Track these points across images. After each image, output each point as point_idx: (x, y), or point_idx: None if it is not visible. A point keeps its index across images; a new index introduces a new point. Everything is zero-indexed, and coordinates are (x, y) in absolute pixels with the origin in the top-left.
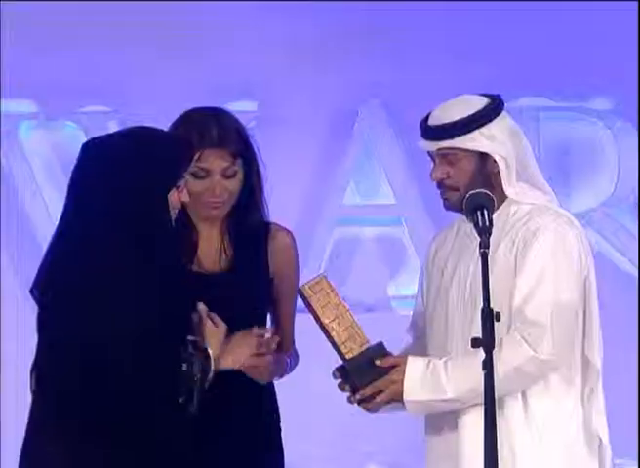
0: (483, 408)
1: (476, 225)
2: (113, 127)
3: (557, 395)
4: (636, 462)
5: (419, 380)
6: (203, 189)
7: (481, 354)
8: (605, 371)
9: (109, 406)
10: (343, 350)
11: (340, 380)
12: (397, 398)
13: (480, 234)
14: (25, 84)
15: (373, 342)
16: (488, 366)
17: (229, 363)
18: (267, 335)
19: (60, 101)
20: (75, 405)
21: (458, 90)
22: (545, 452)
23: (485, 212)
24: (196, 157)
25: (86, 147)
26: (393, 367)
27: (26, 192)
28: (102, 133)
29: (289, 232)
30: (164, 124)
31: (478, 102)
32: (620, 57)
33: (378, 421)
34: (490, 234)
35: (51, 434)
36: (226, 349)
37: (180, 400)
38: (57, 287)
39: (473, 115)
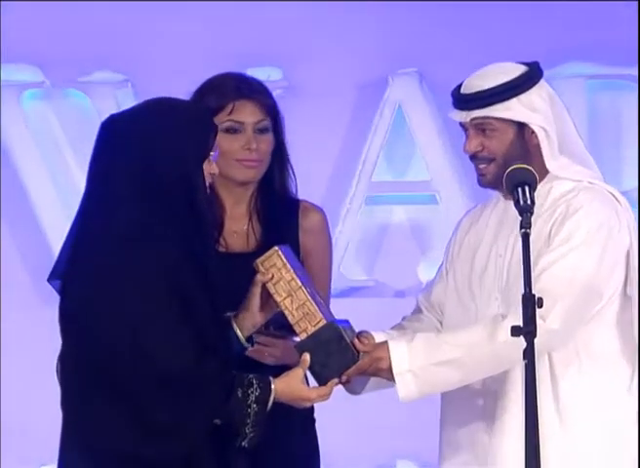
0: (517, 397)
1: (517, 203)
2: (123, 96)
3: (592, 383)
4: None
5: (405, 351)
6: (237, 146)
7: (483, 325)
8: None
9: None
10: (297, 330)
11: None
12: (385, 376)
13: (521, 213)
14: (29, 49)
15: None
16: (529, 355)
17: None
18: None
19: (67, 68)
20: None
21: (499, 57)
22: (575, 441)
23: (527, 189)
24: (228, 110)
25: (107, 125)
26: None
27: (29, 167)
28: (112, 103)
29: (320, 210)
30: (180, 93)
31: (515, 69)
32: None
33: (410, 417)
34: (532, 213)
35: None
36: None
37: (217, 421)
38: (83, 275)
39: (510, 82)
